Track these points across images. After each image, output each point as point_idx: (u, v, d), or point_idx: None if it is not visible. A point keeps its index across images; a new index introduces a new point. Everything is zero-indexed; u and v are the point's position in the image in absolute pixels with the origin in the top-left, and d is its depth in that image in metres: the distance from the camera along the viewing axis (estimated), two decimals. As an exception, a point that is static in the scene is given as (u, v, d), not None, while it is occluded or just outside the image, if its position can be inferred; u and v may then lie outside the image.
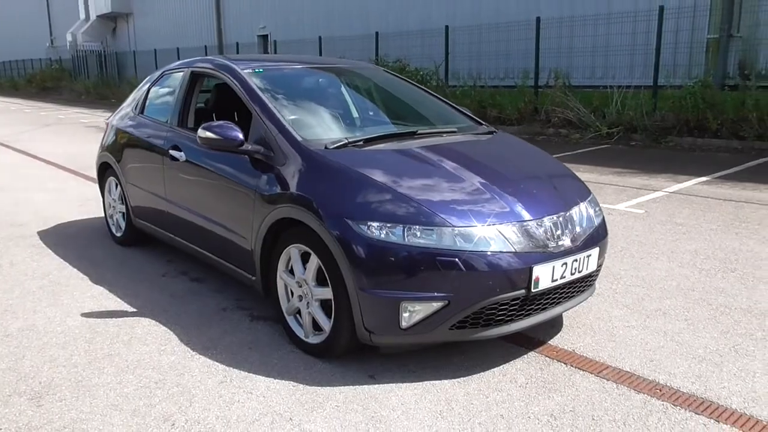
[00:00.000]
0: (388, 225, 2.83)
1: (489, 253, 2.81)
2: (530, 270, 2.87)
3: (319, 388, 2.90)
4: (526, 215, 2.98)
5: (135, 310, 3.83)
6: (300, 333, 3.28)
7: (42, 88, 32.44)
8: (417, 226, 2.81)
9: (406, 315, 2.82)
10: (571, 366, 3.10)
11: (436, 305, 2.81)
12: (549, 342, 3.35)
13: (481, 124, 4.24)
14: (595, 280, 3.39)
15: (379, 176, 3.05)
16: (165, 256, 4.87)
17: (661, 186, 7.03)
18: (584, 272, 3.13)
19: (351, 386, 2.91)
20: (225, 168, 3.65)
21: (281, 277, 3.35)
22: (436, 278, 2.78)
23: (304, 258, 3.20)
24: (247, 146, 3.44)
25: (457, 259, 2.76)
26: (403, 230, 2.81)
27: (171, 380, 2.97)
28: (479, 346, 3.27)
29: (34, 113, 17.56)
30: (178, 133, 4.23)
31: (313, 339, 3.20)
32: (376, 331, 2.89)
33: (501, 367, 3.09)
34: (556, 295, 3.12)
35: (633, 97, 10.39)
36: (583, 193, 3.42)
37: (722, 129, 9.16)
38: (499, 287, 2.83)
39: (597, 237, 3.23)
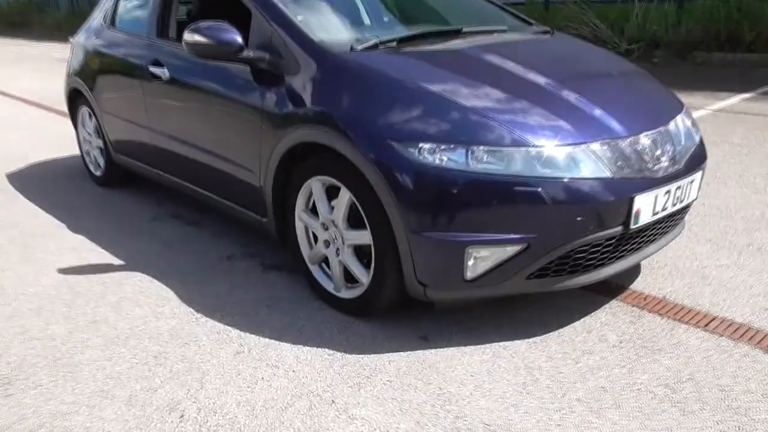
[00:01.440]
0: (446, 147, 2.15)
1: (580, 180, 2.15)
2: (630, 201, 2.23)
3: (362, 356, 2.29)
4: (620, 131, 2.30)
5: (123, 263, 3.18)
6: (328, 286, 2.66)
7: (10, 24, 30.62)
8: (484, 147, 2.14)
9: (471, 263, 2.19)
10: (669, 317, 2.51)
11: (512, 249, 2.17)
12: (630, 287, 2.75)
13: (531, 23, 3.49)
14: (686, 213, 2.76)
15: (426, 83, 2.34)
16: (153, 196, 4.18)
17: (701, 104, 6.33)
18: (685, 202, 2.49)
19: (401, 353, 2.31)
20: (220, 84, 2.91)
21: (300, 219, 2.69)
22: (513, 215, 2.14)
23: (331, 194, 2.54)
24: (248, 53, 2.70)
25: (539, 189, 2.11)
26: (466, 153, 2.14)
27: (174, 353, 2.36)
28: (547, 294, 2.66)
29: (2, 49, 16.35)
30: (159, 46, 3.46)
31: (347, 293, 2.58)
32: (433, 284, 2.26)
33: (581, 321, 2.50)
34: (653, 232, 2.49)
35: (656, 10, 9.52)
36: (675, 102, 2.73)
37: (757, 42, 8.38)
38: (593, 224, 2.19)
39: (699, 158, 2.57)
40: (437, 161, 2.15)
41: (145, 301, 2.76)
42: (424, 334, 2.43)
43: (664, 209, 2.39)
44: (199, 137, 3.16)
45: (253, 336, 2.46)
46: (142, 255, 3.25)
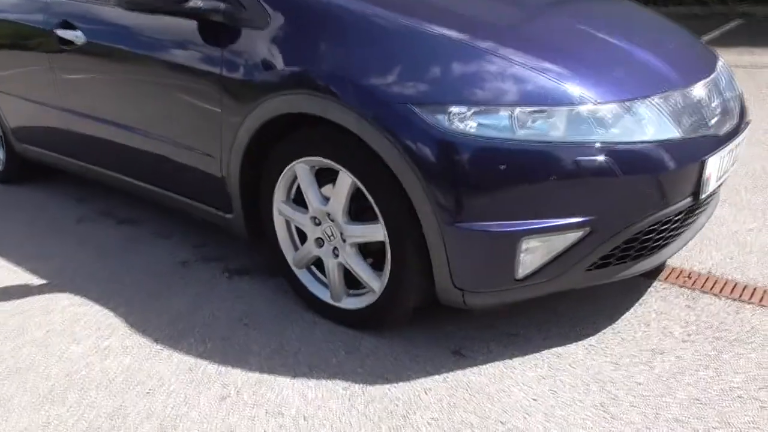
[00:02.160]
0: (483, 109, 1.66)
1: (650, 143, 1.71)
2: (702, 165, 1.82)
3: (389, 387, 1.79)
4: (678, 80, 1.88)
5: (45, 282, 2.50)
6: (323, 294, 2.12)
7: None
8: (532, 108, 1.66)
9: (525, 257, 1.72)
10: (727, 297, 2.14)
11: (573, 236, 1.72)
12: (667, 263, 2.38)
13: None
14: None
15: (448, 29, 1.82)
16: (74, 193, 3.44)
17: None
18: (733, 165, 2.12)
19: (436, 377, 1.83)
20: (159, 47, 2.27)
21: (281, 213, 2.13)
22: (573, 193, 1.68)
23: (321, 178, 2.00)
24: (197, 2, 2.07)
25: (604, 158, 1.65)
26: (511, 117, 1.65)
27: (135, 408, 1.77)
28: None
29: None
30: (68, 3, 2.72)
31: (350, 303, 2.06)
32: (475, 288, 1.78)
33: (632, 312, 2.09)
34: (707, 202, 2.11)
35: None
36: (710, 51, 2.34)
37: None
38: (664, 197, 1.77)
39: (745, 110, 2.20)
40: (474, 129, 1.65)
41: (84, 333, 2.13)
42: (456, 348, 1.95)
43: (725, 173, 2.01)
44: (133, 117, 2.49)
45: (237, 370, 1.90)
46: (70, 269, 2.58)
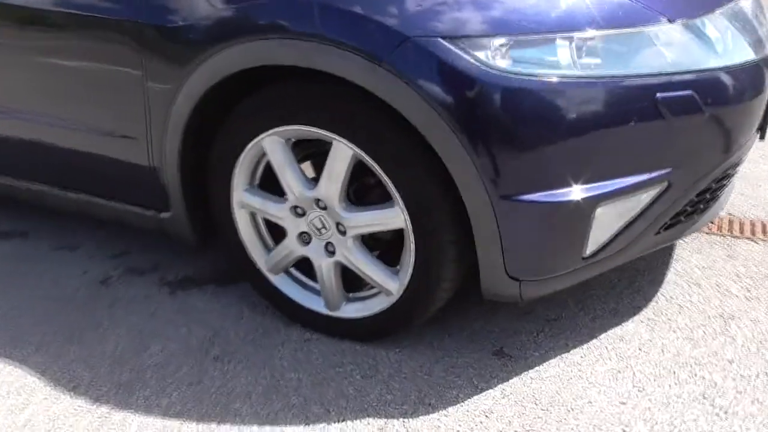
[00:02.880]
0: (535, 39, 1.23)
1: (732, 68, 1.37)
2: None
3: (436, 416, 1.37)
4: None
5: None
6: (313, 303, 1.63)
7: None
8: (595, 33, 1.25)
9: (597, 229, 1.34)
10: (763, 240, 1.91)
11: (648, 196, 1.36)
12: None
13: None
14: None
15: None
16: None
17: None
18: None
19: (489, 390, 1.43)
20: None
21: (244, 204, 1.60)
22: (652, 140, 1.31)
23: (304, 152, 1.50)
24: None
25: (687, 91, 1.29)
26: (571, 46, 1.24)
27: None
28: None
29: None
30: None
31: (351, 310, 1.59)
32: (536, 274, 1.38)
33: (676, 274, 1.80)
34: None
35: None
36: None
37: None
38: (744, 132, 1.45)
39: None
40: (528, 67, 1.22)
41: (-15, 404, 1.52)
42: (497, 347, 1.56)
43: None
44: (16, 96, 1.81)
45: (226, 427, 1.39)
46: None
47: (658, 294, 1.71)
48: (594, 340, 1.56)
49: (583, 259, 1.38)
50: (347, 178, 1.42)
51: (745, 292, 1.70)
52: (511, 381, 1.45)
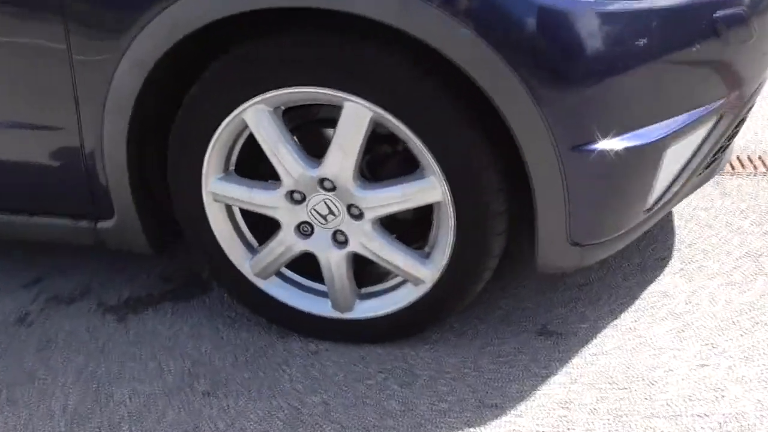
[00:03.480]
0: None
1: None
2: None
3: (510, 419, 1.15)
4: None
5: None
6: (317, 307, 1.34)
7: None
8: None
9: (662, 176, 1.17)
10: (751, 174, 1.87)
11: (704, 131, 1.21)
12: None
13: None
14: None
15: None
16: None
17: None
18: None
19: (555, 377, 1.23)
20: None
21: (219, 197, 1.27)
22: (710, 68, 1.16)
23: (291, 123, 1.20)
24: None
25: (741, 9, 1.15)
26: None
27: None
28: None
29: None
30: None
31: (367, 309, 1.32)
32: (600, 235, 1.18)
33: (677, 214, 1.70)
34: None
35: None
36: None
37: None
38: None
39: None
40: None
41: None
42: (541, 325, 1.37)
43: None
44: None
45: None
46: None
47: (676, 241, 1.60)
48: (637, 301, 1.41)
49: (645, 211, 1.21)
50: (363, 148, 1.14)
51: (756, 227, 1.63)
52: (572, 362, 1.27)
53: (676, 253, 1.55)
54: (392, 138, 1.20)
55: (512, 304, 1.43)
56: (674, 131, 1.11)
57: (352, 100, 1.10)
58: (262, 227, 1.34)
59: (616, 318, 1.37)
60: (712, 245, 1.57)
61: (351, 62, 1.07)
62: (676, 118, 1.12)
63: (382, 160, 1.23)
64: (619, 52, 1.02)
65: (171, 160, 1.26)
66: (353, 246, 1.24)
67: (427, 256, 1.24)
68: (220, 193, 1.26)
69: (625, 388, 1.20)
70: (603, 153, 1.06)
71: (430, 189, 1.15)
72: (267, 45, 1.10)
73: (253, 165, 1.28)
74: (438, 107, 1.08)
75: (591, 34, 1.01)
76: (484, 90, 1.02)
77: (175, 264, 1.65)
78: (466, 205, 1.14)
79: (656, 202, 1.21)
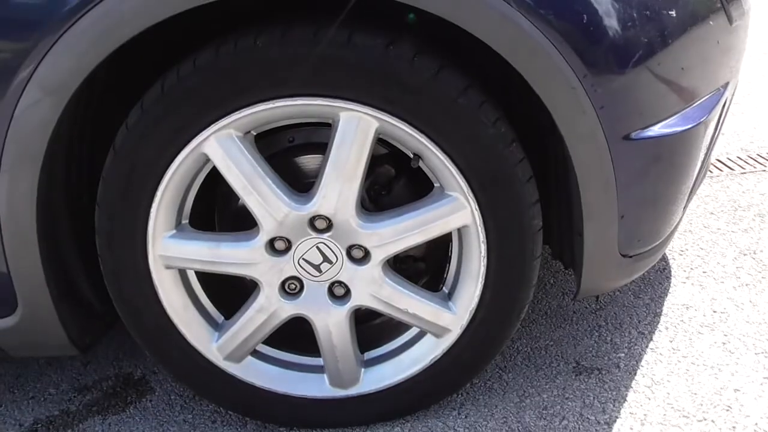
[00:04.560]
0: None
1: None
2: None
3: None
4: None
5: None
6: (309, 387, 1.05)
7: None
8: None
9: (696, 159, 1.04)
10: (740, 173, 1.84)
11: (716, 115, 1.10)
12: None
13: None
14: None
15: None
16: None
17: None
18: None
19: (622, 420, 1.02)
20: None
21: (174, 259, 0.96)
22: (729, 45, 1.06)
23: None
24: None
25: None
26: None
27: None
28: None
29: None
30: None
31: (374, 378, 1.04)
32: (646, 242, 1.01)
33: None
34: None
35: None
36: None
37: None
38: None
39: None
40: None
41: None
42: (573, 364, 1.16)
43: None
44: None
45: None
46: None
47: (673, 248, 1.49)
48: (662, 318, 1.26)
49: (683, 208, 1.07)
50: (366, 170, 0.90)
51: (733, 225, 1.56)
52: (629, 399, 1.07)
53: (672, 262, 1.44)
54: (389, 157, 0.97)
55: (530, 343, 1.23)
56: (711, 110, 0.99)
57: (352, 109, 0.86)
58: (226, 296, 1.04)
59: (650, 340, 1.20)
60: (703, 249, 1.48)
61: (348, 60, 0.84)
62: (708, 97, 1.00)
63: (382, 186, 0.99)
64: (668, 32, 0.89)
65: (101, 219, 0.94)
66: (358, 298, 0.98)
67: (449, 297, 1.00)
68: (174, 255, 0.95)
69: (704, 420, 1.02)
70: (656, 139, 0.90)
71: (456, 210, 0.92)
72: (238, 48, 0.84)
73: (201, 214, 1.00)
74: (464, 107, 0.87)
75: (638, 16, 0.86)
76: (525, 76, 0.83)
77: (92, 368, 1.28)
78: (499, 226, 0.93)
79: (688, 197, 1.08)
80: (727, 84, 1.09)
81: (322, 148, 0.95)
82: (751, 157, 1.91)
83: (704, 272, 1.39)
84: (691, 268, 1.41)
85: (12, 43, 0.81)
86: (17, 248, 0.92)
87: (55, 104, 0.83)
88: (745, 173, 1.82)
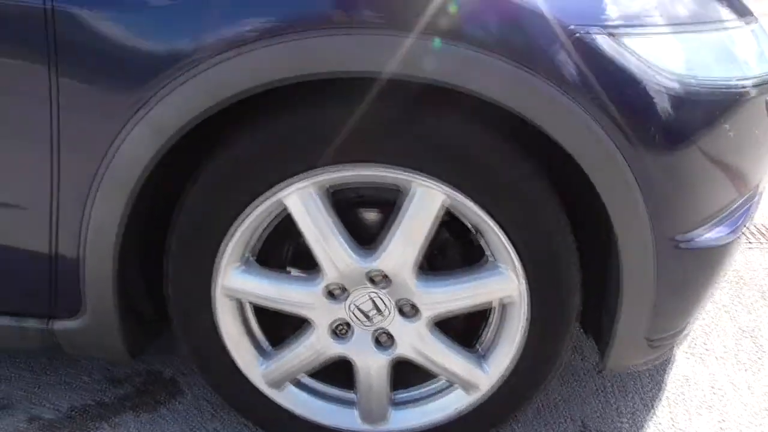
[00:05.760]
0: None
1: None
2: None
3: None
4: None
5: None
6: (343, 419, 1.12)
7: None
8: None
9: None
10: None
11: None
12: None
13: None
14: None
15: None
16: None
17: None
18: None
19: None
20: None
21: (236, 291, 1.03)
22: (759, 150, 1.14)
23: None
24: None
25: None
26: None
27: None
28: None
29: None
30: None
31: (402, 420, 1.12)
32: (669, 330, 1.09)
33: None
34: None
35: None
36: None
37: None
38: None
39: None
40: (698, 73, 0.95)
41: None
42: (578, 423, 1.25)
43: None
44: None
45: None
46: None
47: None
48: (665, 388, 1.35)
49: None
50: (430, 237, 0.98)
51: (735, 299, 1.66)
52: (632, 468, 1.16)
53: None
54: (451, 223, 1.05)
55: (541, 398, 1.31)
56: (748, 214, 1.07)
57: (427, 184, 0.93)
58: (274, 323, 1.12)
59: (652, 411, 1.29)
60: (706, 323, 1.57)
61: (428, 137, 0.91)
62: (749, 198, 1.08)
63: (440, 249, 1.07)
64: (737, 135, 0.97)
65: (175, 246, 1.00)
66: (402, 349, 1.06)
67: (483, 357, 1.08)
68: (237, 287, 1.03)
69: (698, 496, 1.11)
70: (702, 249, 0.99)
71: (505, 284, 1.00)
72: (327, 112, 0.91)
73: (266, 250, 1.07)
74: (526, 191, 0.94)
75: (701, 115, 0.93)
76: (587, 172, 0.90)
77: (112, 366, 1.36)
78: (544, 303, 1.01)
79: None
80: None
81: (382, 203, 1.02)
82: (760, 231, 2.01)
83: (706, 348, 1.49)
84: (694, 342, 1.50)
85: (138, 85, 0.87)
86: (95, 261, 0.98)
87: (155, 142, 0.89)
88: (751, 248, 1.91)
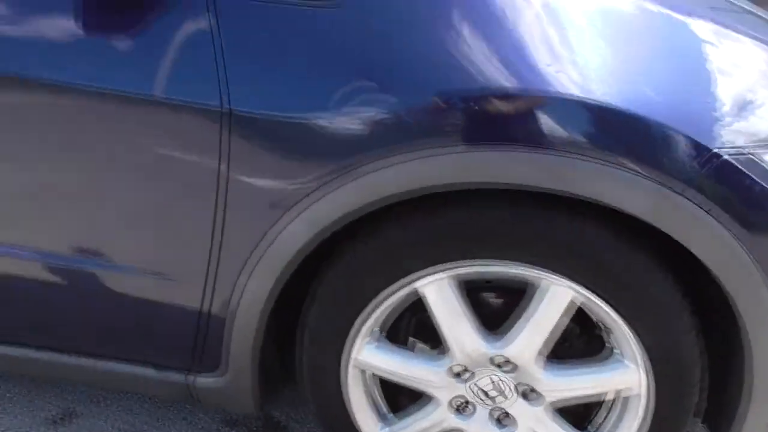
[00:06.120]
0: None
1: None
2: None
3: None
4: None
5: None
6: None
7: None
8: None
9: None
10: None
11: None
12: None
13: None
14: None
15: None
16: None
17: None
18: None
19: None
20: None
21: (366, 364, 1.09)
22: None
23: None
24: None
25: None
26: None
27: None
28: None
29: None
30: None
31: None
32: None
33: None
34: None
35: None
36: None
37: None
38: None
39: None
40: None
41: None
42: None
43: None
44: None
45: None
46: None
47: None
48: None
49: None
50: (558, 331, 1.02)
51: None
52: None
53: None
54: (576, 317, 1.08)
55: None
56: None
57: (559, 283, 0.98)
58: (394, 391, 1.18)
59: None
60: None
61: (564, 241, 0.96)
62: None
63: (563, 337, 1.10)
64: None
65: (313, 319, 1.08)
66: (520, 430, 1.10)
67: (599, 445, 1.11)
68: (367, 360, 1.09)
69: None
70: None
71: (628, 376, 1.03)
72: (472, 212, 0.97)
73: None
74: (655, 292, 0.97)
75: None
76: (728, 292, 0.93)
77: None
78: (663, 397, 1.03)
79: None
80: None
81: (506, 289, 1.07)
82: None
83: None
84: None
85: (301, 182, 0.95)
86: (241, 330, 1.07)
87: (308, 233, 0.97)
88: None
